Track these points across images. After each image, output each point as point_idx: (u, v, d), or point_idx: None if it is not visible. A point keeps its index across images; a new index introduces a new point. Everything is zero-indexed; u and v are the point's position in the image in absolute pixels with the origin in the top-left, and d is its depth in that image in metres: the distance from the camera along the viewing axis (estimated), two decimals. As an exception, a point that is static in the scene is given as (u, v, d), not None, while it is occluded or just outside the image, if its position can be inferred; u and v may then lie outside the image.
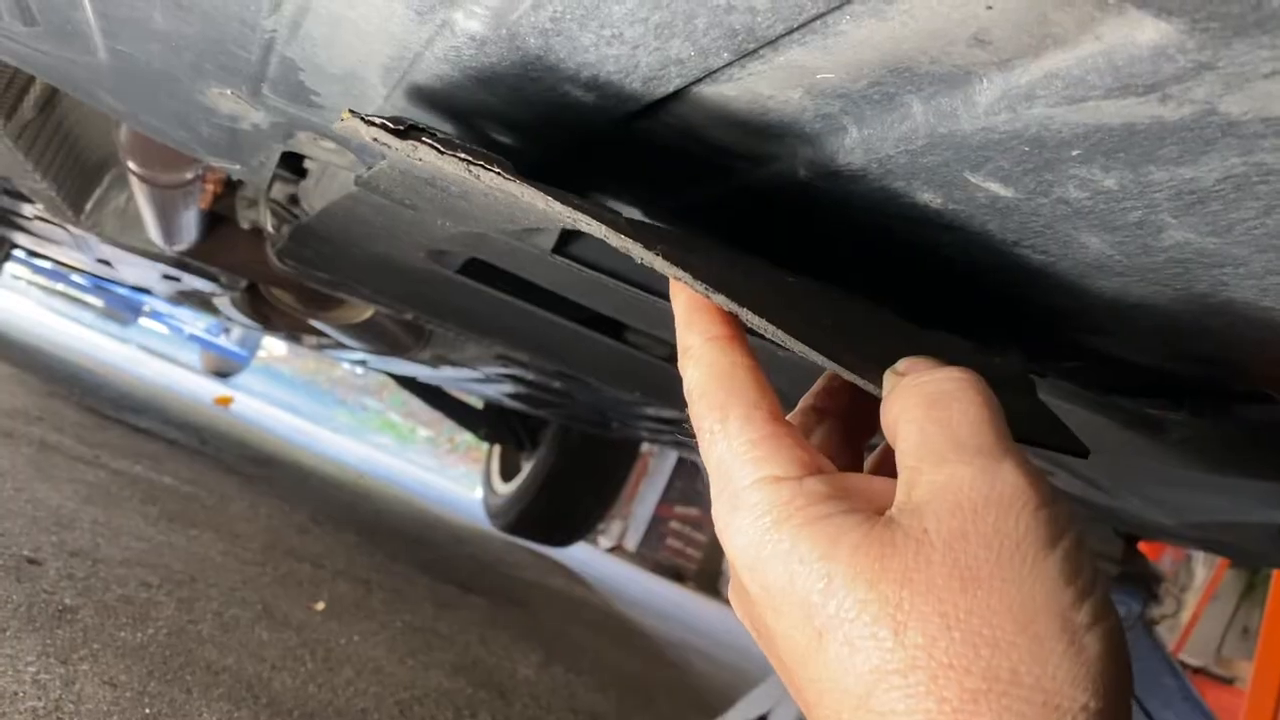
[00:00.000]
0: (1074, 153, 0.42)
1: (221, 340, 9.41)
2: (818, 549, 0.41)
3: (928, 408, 0.43)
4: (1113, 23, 0.34)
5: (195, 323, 9.12)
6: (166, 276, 2.66)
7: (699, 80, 0.48)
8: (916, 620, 0.38)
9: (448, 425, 7.88)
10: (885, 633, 0.39)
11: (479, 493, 5.05)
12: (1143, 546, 1.64)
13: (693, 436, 0.48)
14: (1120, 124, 0.39)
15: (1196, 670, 4.81)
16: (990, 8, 0.36)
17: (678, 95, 0.51)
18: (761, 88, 0.47)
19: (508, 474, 4.46)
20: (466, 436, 7.94)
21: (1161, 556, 5.51)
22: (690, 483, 8.86)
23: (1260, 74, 0.33)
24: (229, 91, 0.75)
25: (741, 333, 0.49)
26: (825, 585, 0.40)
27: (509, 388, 2.86)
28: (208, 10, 0.61)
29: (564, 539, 4.48)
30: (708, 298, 0.47)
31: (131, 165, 1.26)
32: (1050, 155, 0.42)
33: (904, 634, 0.38)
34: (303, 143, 0.83)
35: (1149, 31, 0.34)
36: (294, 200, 1.57)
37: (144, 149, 1.21)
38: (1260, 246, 0.43)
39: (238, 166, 0.93)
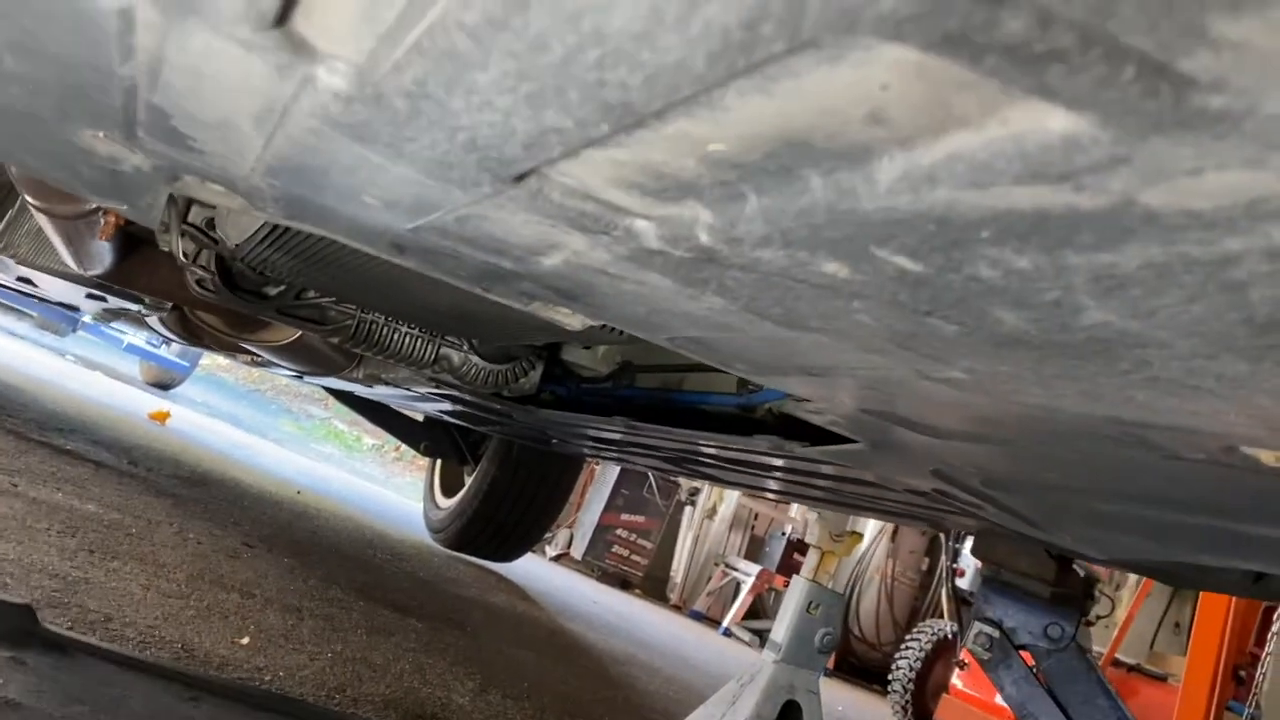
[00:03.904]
0: (983, 234, 0.38)
1: (161, 351, 9.16)
2: None
3: None
4: (1020, 108, 0.30)
5: (134, 334, 8.89)
6: (91, 296, 2.57)
7: (585, 146, 0.44)
8: None
9: (392, 434, 7.76)
10: None
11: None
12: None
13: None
14: (1032, 209, 0.35)
15: (1131, 668, 4.86)
16: (885, 88, 0.32)
17: (568, 157, 0.47)
18: (653, 155, 0.43)
19: (449, 489, 4.37)
20: (411, 446, 7.84)
21: (1100, 559, 5.57)
22: (636, 491, 8.82)
23: (1182, 170, 0.30)
24: (101, 134, 0.70)
25: None
26: None
27: (446, 405, 2.80)
28: (57, 55, 0.56)
29: (506, 555, 4.40)
30: None
31: (27, 197, 1.19)
32: (958, 235, 0.39)
33: None
34: (190, 185, 0.78)
35: (1060, 120, 0.30)
36: (210, 225, 1.51)
37: (37, 181, 1.14)
38: (1186, 332, 0.40)
39: (125, 207, 0.88)
